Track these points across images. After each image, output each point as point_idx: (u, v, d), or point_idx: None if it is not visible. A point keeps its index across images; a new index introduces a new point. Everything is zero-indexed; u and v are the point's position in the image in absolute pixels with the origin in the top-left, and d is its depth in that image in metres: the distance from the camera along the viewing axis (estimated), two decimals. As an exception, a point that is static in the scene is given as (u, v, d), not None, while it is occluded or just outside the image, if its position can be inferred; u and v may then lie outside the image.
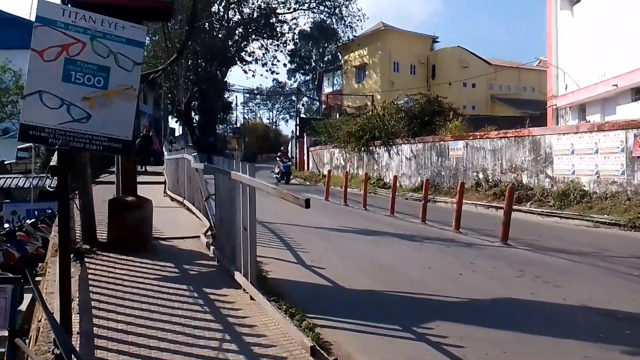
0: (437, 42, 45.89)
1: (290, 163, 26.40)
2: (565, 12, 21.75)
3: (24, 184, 19.24)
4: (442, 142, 17.40)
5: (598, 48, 18.77)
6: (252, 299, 4.58)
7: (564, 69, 21.80)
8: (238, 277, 4.94)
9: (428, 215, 10.97)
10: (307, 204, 3.56)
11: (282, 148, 30.58)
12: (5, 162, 26.93)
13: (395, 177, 14.14)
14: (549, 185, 12.74)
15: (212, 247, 6.35)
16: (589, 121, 17.55)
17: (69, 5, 5.48)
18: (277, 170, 24.91)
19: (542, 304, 5.04)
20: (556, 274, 6.29)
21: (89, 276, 5.13)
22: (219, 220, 6.09)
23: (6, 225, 13.00)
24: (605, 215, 10.35)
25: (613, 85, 17.98)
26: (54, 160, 3.94)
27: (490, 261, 7.02)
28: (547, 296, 5.29)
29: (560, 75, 22.20)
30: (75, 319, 3.78)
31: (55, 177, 3.49)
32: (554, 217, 11.35)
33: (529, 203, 12.52)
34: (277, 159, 25.93)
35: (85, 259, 5.75)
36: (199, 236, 7.41)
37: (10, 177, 20.83)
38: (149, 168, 20.68)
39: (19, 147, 24.69)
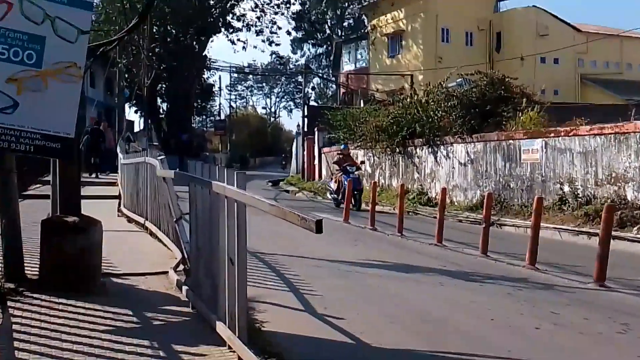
0: (504, 0, 46.03)
1: (358, 172, 21.61)
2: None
3: None
4: (510, 141, 17.39)
5: None
6: (240, 359, 4.60)
7: (685, 37, 21.73)
8: (221, 329, 4.96)
9: (491, 244, 10.94)
10: (319, 227, 3.58)
11: (342, 147, 23.80)
12: None
13: (444, 190, 14.12)
14: (665, 202, 12.66)
15: (184, 287, 6.40)
16: None
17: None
18: (333, 186, 21.32)
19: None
20: (675, 328, 6.24)
21: (14, 327, 5.18)
22: (195, 249, 6.14)
23: None
24: None
25: None
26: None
27: (580, 310, 6.99)
28: (662, 360, 5.25)
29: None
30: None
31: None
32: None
33: (635, 228, 12.43)
34: (335, 165, 22.23)
35: (9, 303, 5.82)
36: (167, 272, 7.47)
37: None
38: (101, 176, 20.89)
39: None
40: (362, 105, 35.43)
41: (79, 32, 5.13)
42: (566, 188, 15.11)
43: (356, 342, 5.65)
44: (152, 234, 10.52)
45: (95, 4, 34.43)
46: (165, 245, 9.36)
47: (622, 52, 44.04)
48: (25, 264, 6.69)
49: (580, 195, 14.65)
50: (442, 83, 22.60)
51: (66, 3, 5.12)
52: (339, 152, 22.84)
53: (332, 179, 21.54)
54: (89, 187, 18.17)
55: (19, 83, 4.96)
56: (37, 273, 6.65)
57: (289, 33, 54.82)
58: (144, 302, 6.33)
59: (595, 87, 40.91)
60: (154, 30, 37.92)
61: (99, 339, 5.08)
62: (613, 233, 9.22)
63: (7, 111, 4.88)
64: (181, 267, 7.42)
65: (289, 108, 79.98)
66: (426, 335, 6.02)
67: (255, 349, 4.60)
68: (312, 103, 51.49)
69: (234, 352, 4.72)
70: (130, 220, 12.52)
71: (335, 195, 20.84)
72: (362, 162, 22.62)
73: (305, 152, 36.00)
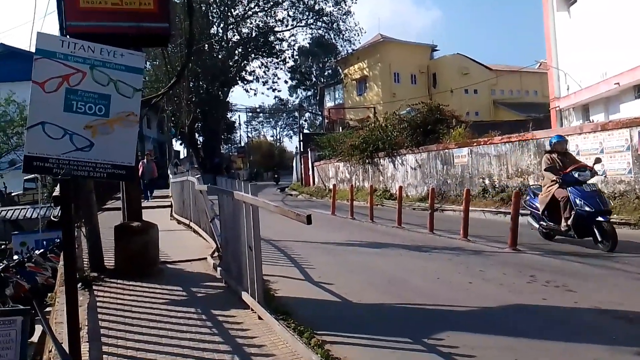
0: (437, 50, 46.31)
1: (594, 180, 8.95)
2: (562, 13, 21.85)
3: (32, 214, 19.42)
4: (446, 150, 17.41)
5: (597, 47, 18.79)
6: (260, 318, 4.58)
7: (564, 70, 21.83)
8: (245, 297, 4.95)
9: (436, 224, 10.94)
10: (309, 220, 3.59)
11: (554, 139, 9.19)
12: (13, 194, 27.22)
13: (401, 188, 14.13)
14: (557, 187, 12.65)
15: (218, 269, 6.37)
16: (593, 121, 17.50)
17: (68, 37, 5.61)
18: (539, 205, 8.97)
19: (554, 309, 5.01)
20: (567, 277, 6.24)
21: (97, 304, 5.16)
22: (225, 241, 6.12)
23: (15, 257, 13.08)
24: (615, 215, 10.27)
25: (615, 84, 17.97)
26: (56, 191, 4.01)
27: (500, 268, 6.99)
28: (558, 301, 5.25)
29: (562, 77, 22.22)
30: (85, 347, 3.81)
31: (59, 207, 3.54)
32: (563, 220, 11.27)
33: (537, 207, 12.44)
34: (549, 173, 8.62)
35: (93, 287, 5.79)
36: (206, 258, 7.44)
37: (18, 209, 21.02)
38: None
39: (25, 178, 24.97)
40: (341, 130, 35.48)
41: (134, 90, 5.12)
42: (487, 181, 15.14)
43: (342, 300, 5.65)
44: (194, 231, 10.47)
45: (146, 69, 34.53)
46: (204, 238, 9.32)
47: (522, 83, 44.29)
48: (104, 258, 6.66)
49: (497, 186, 14.68)
50: (396, 112, 22.69)
51: (124, 70, 5.11)
52: (550, 150, 9.22)
53: (534, 193, 9.46)
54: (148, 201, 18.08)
55: (94, 129, 4.95)
56: (112, 264, 6.62)
57: (286, 82, 54.82)
58: (190, 281, 6.30)
59: (505, 108, 41.03)
60: (190, 85, 37.85)
61: (158, 308, 5.06)
62: (521, 211, 9.22)
63: (85, 150, 4.87)
64: (216, 254, 7.39)
65: (289, 135, 79.82)
66: (392, 293, 6.01)
67: (270, 309, 4.60)
68: (305, 131, 51.29)
69: (255, 313, 4.72)
70: (179, 222, 12.45)
71: (548, 222, 8.81)
72: (598, 160, 8.80)
73: (302, 166, 35.96)
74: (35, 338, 7.74)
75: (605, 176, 11.36)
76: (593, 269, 6.77)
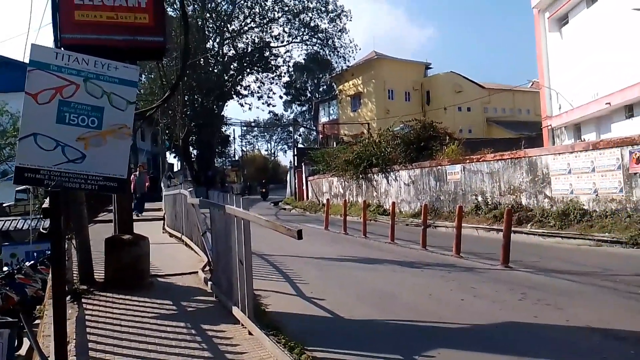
0: (431, 68, 46.65)
1: None
2: (554, 34, 22.19)
3: (23, 225, 19.23)
4: (439, 167, 17.47)
5: (589, 67, 19.07)
6: (250, 333, 4.54)
7: (557, 89, 22.10)
8: (236, 312, 4.91)
9: (428, 240, 10.94)
10: (300, 235, 3.57)
11: None
12: (4, 205, 26.97)
13: (394, 204, 14.14)
14: (549, 205, 12.74)
15: (209, 283, 6.33)
16: (585, 140, 17.69)
17: (62, 49, 5.61)
18: None
19: (545, 327, 5.00)
20: (558, 295, 6.24)
21: (86, 317, 5.09)
22: (216, 254, 6.08)
23: (5, 268, 12.92)
24: (607, 234, 10.33)
25: (606, 104, 18.20)
26: (46, 203, 3.97)
27: (492, 285, 6.97)
28: (549, 318, 5.24)
29: (554, 96, 22.49)
30: (72, 361, 3.75)
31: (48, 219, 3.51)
32: (555, 238, 11.32)
33: (529, 224, 12.51)
34: None
35: (83, 299, 5.73)
36: (197, 272, 7.38)
37: (9, 220, 20.83)
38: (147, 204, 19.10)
39: (17, 189, 24.76)
40: (335, 145, 35.55)
41: (128, 102, 5.10)
42: (480, 198, 15.18)
43: (333, 316, 5.61)
44: (186, 244, 10.40)
45: (142, 81, 34.59)
46: (196, 252, 9.26)
47: (514, 101, 44.64)
48: (94, 271, 6.60)
49: (490, 203, 14.72)
50: (389, 128, 22.83)
51: (118, 83, 5.09)
52: None
53: None
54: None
55: (86, 141, 4.91)
56: (103, 277, 6.55)
57: (281, 97, 54.91)
58: (180, 295, 6.24)
59: (497, 126, 41.33)
60: (185, 98, 37.89)
61: (148, 322, 5.01)
62: (513, 228, 9.26)
63: (77, 161, 4.83)
64: (207, 268, 7.33)
65: (284, 149, 79.81)
66: (383, 308, 5.98)
67: (261, 325, 4.56)
68: (299, 145, 51.40)
69: (245, 328, 4.67)
70: (171, 235, 12.36)
71: None
72: None
73: (296, 181, 35.93)
74: (23, 351, 7.62)
75: (596, 194, 11.44)
76: (584, 287, 6.78)
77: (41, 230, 12.50)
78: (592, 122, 20.28)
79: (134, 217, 16.05)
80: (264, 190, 41.24)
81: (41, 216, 16.00)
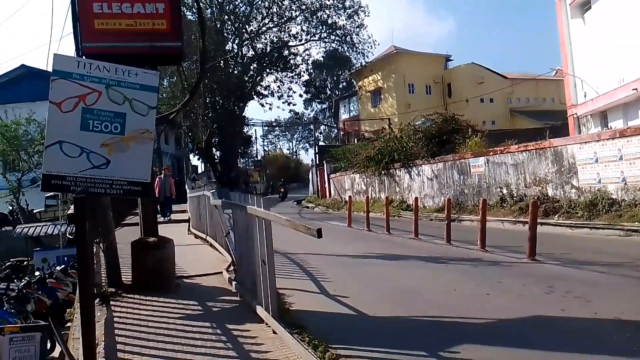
0: (451, 60, 46.00)
1: None
2: (576, 20, 21.68)
3: (53, 231, 19.70)
4: (462, 160, 17.29)
5: (613, 53, 18.58)
6: (274, 332, 4.58)
7: (581, 77, 21.59)
8: (260, 311, 4.95)
9: (453, 235, 10.84)
10: (319, 234, 3.59)
11: None
12: (35, 211, 27.71)
13: (417, 199, 14.05)
14: (576, 196, 12.49)
15: (234, 283, 6.40)
16: (611, 128, 17.26)
17: (84, 57, 5.74)
18: None
19: (573, 320, 4.92)
20: (587, 287, 6.13)
21: (114, 319, 5.21)
22: (239, 255, 6.15)
23: (37, 273, 13.25)
24: (636, 223, 10.08)
25: (633, 90, 17.69)
26: (71, 209, 4.07)
27: (518, 279, 6.88)
28: (578, 312, 5.16)
29: (578, 84, 21.97)
30: (101, 363, 3.84)
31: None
32: (583, 229, 11.11)
33: (556, 216, 12.28)
34: None
35: (111, 302, 5.85)
36: (222, 272, 7.47)
37: (40, 225, 21.38)
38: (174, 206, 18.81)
39: (46, 195, 25.39)
40: (356, 142, 35.49)
41: (149, 107, 5.18)
42: (504, 191, 14.97)
43: (358, 314, 5.61)
44: (211, 245, 10.52)
45: (163, 85, 35.07)
46: (220, 252, 9.37)
47: (538, 90, 43.77)
48: (122, 273, 6.73)
49: (515, 195, 14.51)
50: (410, 123, 22.66)
51: (139, 88, 5.18)
52: None
53: None
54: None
55: (110, 147, 5.01)
56: (130, 279, 6.69)
57: (301, 95, 54.90)
58: (205, 295, 6.33)
59: (521, 116, 40.58)
60: (207, 101, 38.30)
61: (174, 323, 5.09)
62: (540, 220, 9.11)
63: (102, 167, 4.93)
64: (231, 268, 7.41)
65: (305, 148, 79.93)
66: (408, 305, 5.96)
67: (284, 323, 4.59)
68: (321, 143, 51.26)
69: (269, 327, 4.71)
70: (196, 236, 12.53)
71: None
72: None
73: (318, 179, 35.97)
74: (56, 353, 7.83)
75: (625, 183, 11.16)
76: (613, 278, 6.64)
77: (68, 235, 12.73)
78: (619, 109, 19.76)
79: (164, 220, 16.00)
80: (282, 190, 39.08)
81: (65, 221, 16.25)
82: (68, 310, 8.22)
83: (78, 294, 6.38)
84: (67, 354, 2.73)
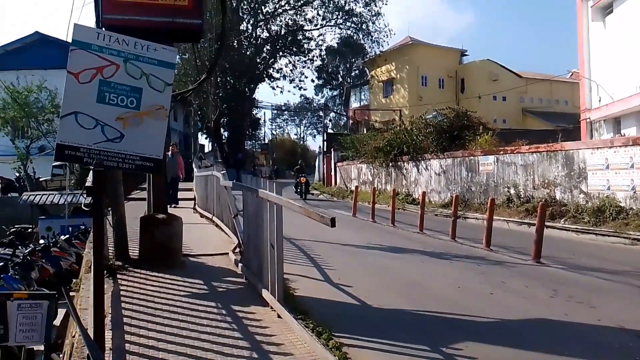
0: (466, 55, 45.60)
1: None
2: (597, 23, 21.42)
3: (59, 200, 19.81)
4: (471, 157, 17.23)
5: (632, 59, 18.38)
6: (279, 316, 4.61)
7: (597, 81, 21.39)
8: (265, 294, 4.99)
9: (458, 232, 10.85)
10: (333, 222, 3.60)
11: None
12: (41, 179, 27.86)
13: (424, 194, 14.04)
14: (584, 201, 12.44)
15: (240, 264, 6.43)
16: (624, 135, 17.13)
17: (103, 29, 5.72)
18: None
19: (576, 325, 4.93)
20: (591, 293, 6.14)
21: (121, 292, 5.26)
22: (247, 237, 6.17)
23: (41, 241, 13.38)
24: (645, 232, 10.05)
25: (649, 98, 17.56)
26: (89, 181, 4.09)
27: (522, 280, 6.90)
28: (581, 317, 5.17)
29: (594, 88, 21.78)
30: (108, 334, 3.88)
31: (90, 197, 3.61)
32: (589, 234, 11.09)
33: (563, 219, 12.26)
34: None
35: (118, 275, 5.91)
36: (228, 253, 7.50)
37: (46, 194, 21.49)
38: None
39: (53, 164, 25.49)
40: (365, 132, 35.36)
41: (165, 84, 5.18)
42: (512, 191, 14.94)
43: (361, 303, 5.65)
44: (217, 225, 10.56)
45: (177, 62, 34.93)
46: (226, 233, 9.39)
47: (552, 91, 43.41)
48: (129, 248, 6.78)
49: (522, 196, 14.48)
50: (422, 116, 22.57)
51: (156, 64, 5.17)
52: None
53: None
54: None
55: (125, 121, 5.02)
56: (137, 254, 6.73)
57: (312, 81, 54.78)
58: (211, 275, 6.37)
59: (533, 117, 40.33)
60: (218, 80, 38.18)
61: (180, 300, 5.14)
62: (546, 223, 9.09)
63: (116, 141, 4.95)
64: (237, 249, 7.44)
65: (313, 134, 79.75)
66: (411, 298, 5.99)
67: (289, 308, 4.63)
68: (329, 131, 51.20)
69: (274, 311, 4.75)
70: (202, 215, 12.58)
71: None
72: None
73: (325, 166, 35.98)
74: (57, 322, 7.92)
75: (634, 192, 11.11)
76: (618, 285, 6.64)
77: (81, 207, 12.68)
78: (633, 116, 19.61)
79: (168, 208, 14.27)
80: (302, 179, 25.50)
81: (83, 194, 16.11)
82: (74, 280, 8.30)
83: (86, 264, 6.44)
84: (77, 324, 2.77)
